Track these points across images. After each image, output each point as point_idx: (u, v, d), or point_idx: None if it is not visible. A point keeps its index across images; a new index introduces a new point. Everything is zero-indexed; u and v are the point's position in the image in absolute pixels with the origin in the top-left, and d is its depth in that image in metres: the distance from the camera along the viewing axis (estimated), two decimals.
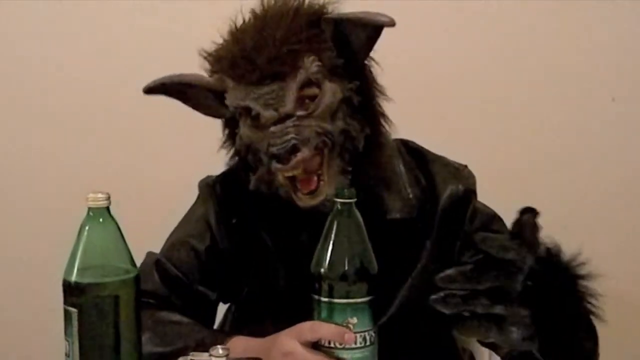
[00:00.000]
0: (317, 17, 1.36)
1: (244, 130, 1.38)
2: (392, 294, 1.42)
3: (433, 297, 1.03)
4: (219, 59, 1.38)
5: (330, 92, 1.35)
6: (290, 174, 1.33)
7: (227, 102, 1.38)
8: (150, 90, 1.40)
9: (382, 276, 1.18)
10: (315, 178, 1.34)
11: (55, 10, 2.25)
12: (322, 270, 1.16)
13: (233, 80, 1.36)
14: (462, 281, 1.02)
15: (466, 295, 1.02)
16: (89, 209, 1.11)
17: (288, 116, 1.32)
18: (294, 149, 1.30)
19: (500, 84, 2.27)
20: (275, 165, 1.31)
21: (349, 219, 1.17)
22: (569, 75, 2.26)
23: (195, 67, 1.42)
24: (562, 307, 1.09)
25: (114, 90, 2.22)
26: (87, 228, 1.11)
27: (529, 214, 1.05)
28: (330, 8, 1.38)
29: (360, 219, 1.18)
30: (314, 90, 1.34)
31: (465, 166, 1.53)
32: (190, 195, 1.56)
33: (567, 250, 1.12)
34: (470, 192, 1.49)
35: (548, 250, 1.09)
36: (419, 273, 1.43)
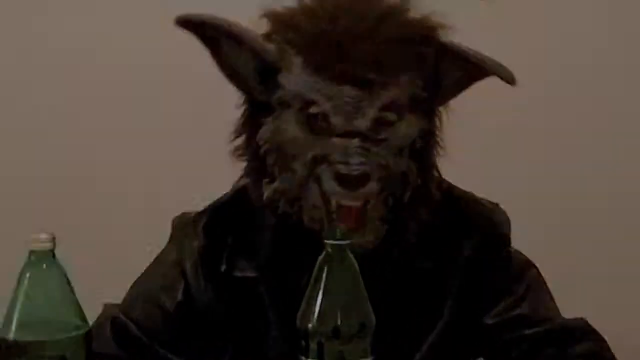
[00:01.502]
0: (426, 34, 1.21)
1: (289, 125, 1.21)
2: (408, 356, 1.30)
3: None
4: (287, 27, 1.21)
5: (409, 124, 1.22)
6: (350, 203, 1.19)
7: (284, 81, 1.20)
8: (185, 22, 1.19)
9: (397, 337, 1.11)
10: (361, 216, 1.20)
11: None
12: (310, 325, 1.05)
13: (305, 62, 1.19)
14: None
15: None
16: (31, 252, 1.04)
17: (358, 134, 1.18)
18: (365, 178, 1.16)
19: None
20: (336, 187, 1.17)
21: (342, 264, 1.06)
22: None
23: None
24: None
25: (56, 102, 2.08)
26: (27, 275, 1.03)
27: None
28: (441, 32, 1.23)
29: (356, 265, 1.06)
30: (391, 116, 1.20)
31: (497, 205, 1.39)
32: (160, 235, 1.40)
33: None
34: (502, 239, 1.35)
35: None
36: (440, 332, 1.30)
